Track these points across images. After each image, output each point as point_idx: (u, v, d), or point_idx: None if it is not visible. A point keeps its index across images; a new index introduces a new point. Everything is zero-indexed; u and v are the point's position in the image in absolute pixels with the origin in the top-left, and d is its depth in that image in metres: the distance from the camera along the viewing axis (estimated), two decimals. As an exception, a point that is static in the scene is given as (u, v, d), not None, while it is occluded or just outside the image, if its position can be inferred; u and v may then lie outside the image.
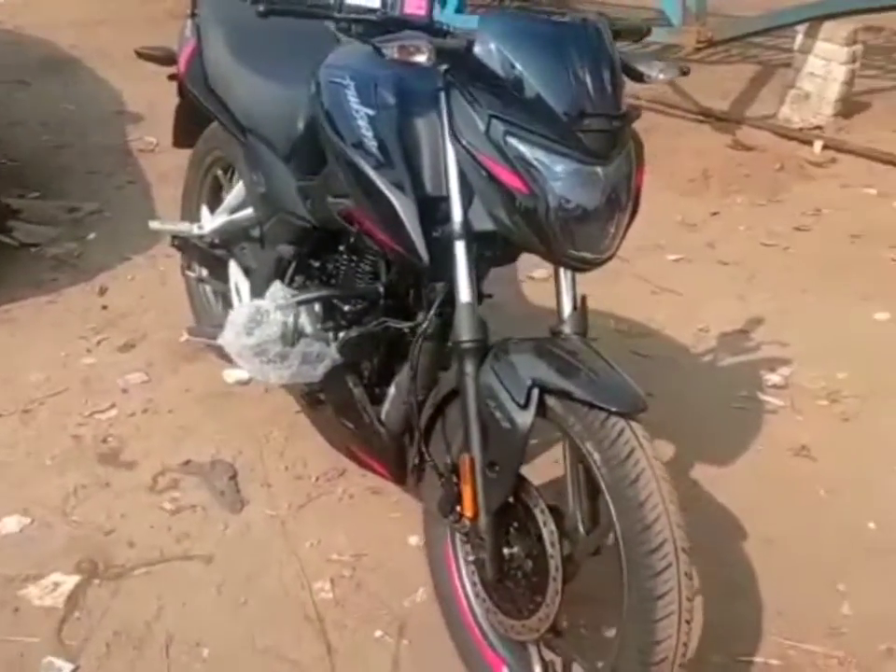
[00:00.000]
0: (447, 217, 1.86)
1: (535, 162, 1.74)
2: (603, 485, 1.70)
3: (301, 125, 2.25)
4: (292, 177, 2.32)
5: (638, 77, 1.89)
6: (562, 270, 1.92)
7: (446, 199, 1.87)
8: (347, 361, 2.25)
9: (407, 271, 2.11)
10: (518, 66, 1.74)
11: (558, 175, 1.74)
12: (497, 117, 1.76)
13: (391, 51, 1.74)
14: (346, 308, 2.23)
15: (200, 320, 3.16)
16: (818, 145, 5.21)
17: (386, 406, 2.24)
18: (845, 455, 2.79)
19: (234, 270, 2.64)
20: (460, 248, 1.85)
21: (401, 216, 1.89)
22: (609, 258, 1.84)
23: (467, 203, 1.84)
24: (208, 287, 3.13)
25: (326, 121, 2.03)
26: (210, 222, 2.76)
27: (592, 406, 1.71)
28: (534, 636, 1.88)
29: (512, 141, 1.75)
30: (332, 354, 2.23)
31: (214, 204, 3.08)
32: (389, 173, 1.91)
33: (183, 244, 3.00)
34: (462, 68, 1.80)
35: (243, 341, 2.15)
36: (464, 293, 1.86)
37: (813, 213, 4.43)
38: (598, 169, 1.75)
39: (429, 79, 1.92)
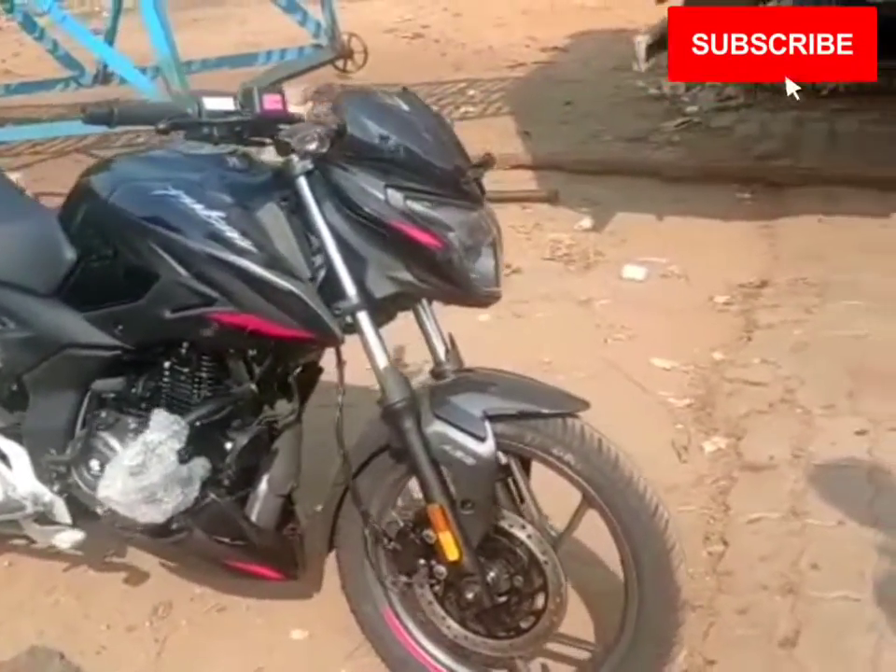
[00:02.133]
0: (336, 295, 1.92)
1: (438, 218, 1.88)
2: (582, 480, 1.90)
3: (68, 256, 2.13)
4: (70, 310, 2.15)
5: None
6: (424, 315, 2.04)
7: (319, 277, 1.94)
8: (209, 475, 2.14)
9: (278, 360, 2.10)
10: (395, 137, 1.87)
11: (459, 224, 1.90)
12: (391, 185, 1.87)
13: (295, 142, 1.79)
14: (221, 417, 2.12)
15: None
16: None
17: (257, 507, 2.17)
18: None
19: (-16, 437, 2.30)
20: (364, 318, 1.92)
21: (306, 300, 1.91)
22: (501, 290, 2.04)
23: (357, 275, 1.91)
24: None
25: (168, 235, 1.95)
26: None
27: (548, 416, 1.91)
28: (542, 642, 2.01)
29: (413, 204, 1.88)
30: (199, 471, 2.11)
31: None
32: (276, 263, 1.92)
33: None
34: (338, 148, 1.87)
35: (139, 483, 1.95)
36: (380, 358, 1.93)
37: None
38: (481, 212, 1.96)
39: (244, 171, 2.00)
